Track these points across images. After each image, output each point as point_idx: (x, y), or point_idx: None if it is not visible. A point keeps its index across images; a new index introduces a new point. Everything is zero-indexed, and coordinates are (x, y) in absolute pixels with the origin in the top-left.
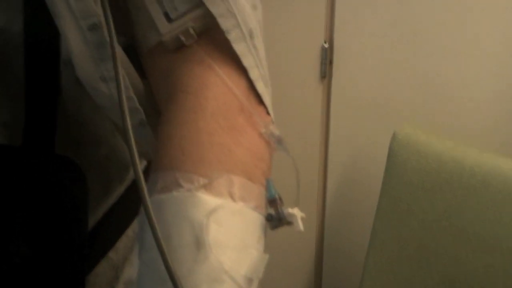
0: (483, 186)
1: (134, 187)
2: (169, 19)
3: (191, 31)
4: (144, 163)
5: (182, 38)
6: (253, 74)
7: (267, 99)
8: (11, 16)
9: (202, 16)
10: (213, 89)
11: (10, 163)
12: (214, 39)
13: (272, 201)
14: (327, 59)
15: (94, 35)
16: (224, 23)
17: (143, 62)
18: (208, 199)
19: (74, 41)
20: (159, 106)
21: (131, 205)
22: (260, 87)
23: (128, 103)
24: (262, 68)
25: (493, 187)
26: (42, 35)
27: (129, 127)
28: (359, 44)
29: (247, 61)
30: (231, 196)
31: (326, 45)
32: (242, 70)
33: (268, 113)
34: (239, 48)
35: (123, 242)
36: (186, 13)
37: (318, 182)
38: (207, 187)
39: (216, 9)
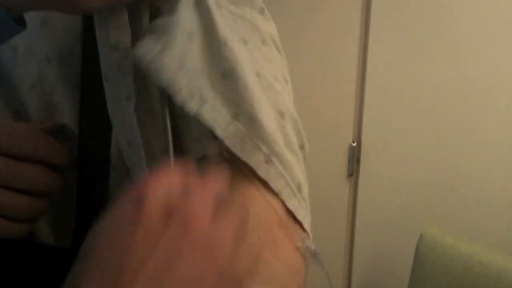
0: None
1: None
2: (215, 136)
3: None
4: None
5: (226, 154)
6: (300, 215)
7: (307, 224)
8: (68, 122)
9: None
10: (254, 204)
11: (58, 264)
12: None
13: None
14: (354, 157)
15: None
16: (276, 185)
17: None
18: None
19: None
20: None
21: None
22: (301, 215)
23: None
24: (306, 207)
25: None
26: (95, 141)
27: None
28: (386, 143)
29: (299, 214)
30: None
31: (354, 144)
32: None
33: (304, 228)
34: (292, 204)
35: None
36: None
37: (343, 282)
38: None
39: (266, 175)
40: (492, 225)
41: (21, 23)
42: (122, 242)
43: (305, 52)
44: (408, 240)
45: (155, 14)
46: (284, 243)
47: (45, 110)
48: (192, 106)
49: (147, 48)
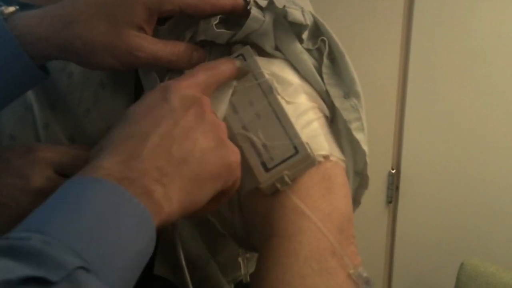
0: None
1: None
2: (266, 168)
3: (286, 178)
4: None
5: (278, 185)
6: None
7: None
8: None
9: (296, 164)
10: (306, 234)
11: None
12: (305, 184)
13: None
14: (393, 184)
15: None
16: (347, 116)
17: (241, 202)
18: None
19: None
20: (253, 244)
21: None
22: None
23: None
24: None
25: None
26: None
27: None
28: (426, 171)
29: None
30: None
31: (393, 171)
32: (333, 210)
33: (357, 253)
34: (359, 136)
35: None
36: (281, 162)
37: None
38: None
39: (340, 104)
40: None
41: (44, 71)
42: (148, 114)
43: None
44: (449, 269)
45: None
46: (336, 272)
47: (101, 133)
48: None
49: None
